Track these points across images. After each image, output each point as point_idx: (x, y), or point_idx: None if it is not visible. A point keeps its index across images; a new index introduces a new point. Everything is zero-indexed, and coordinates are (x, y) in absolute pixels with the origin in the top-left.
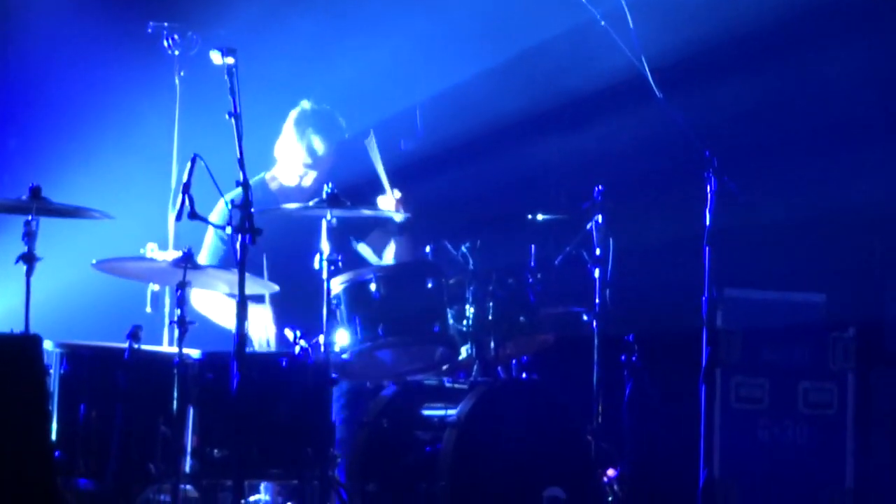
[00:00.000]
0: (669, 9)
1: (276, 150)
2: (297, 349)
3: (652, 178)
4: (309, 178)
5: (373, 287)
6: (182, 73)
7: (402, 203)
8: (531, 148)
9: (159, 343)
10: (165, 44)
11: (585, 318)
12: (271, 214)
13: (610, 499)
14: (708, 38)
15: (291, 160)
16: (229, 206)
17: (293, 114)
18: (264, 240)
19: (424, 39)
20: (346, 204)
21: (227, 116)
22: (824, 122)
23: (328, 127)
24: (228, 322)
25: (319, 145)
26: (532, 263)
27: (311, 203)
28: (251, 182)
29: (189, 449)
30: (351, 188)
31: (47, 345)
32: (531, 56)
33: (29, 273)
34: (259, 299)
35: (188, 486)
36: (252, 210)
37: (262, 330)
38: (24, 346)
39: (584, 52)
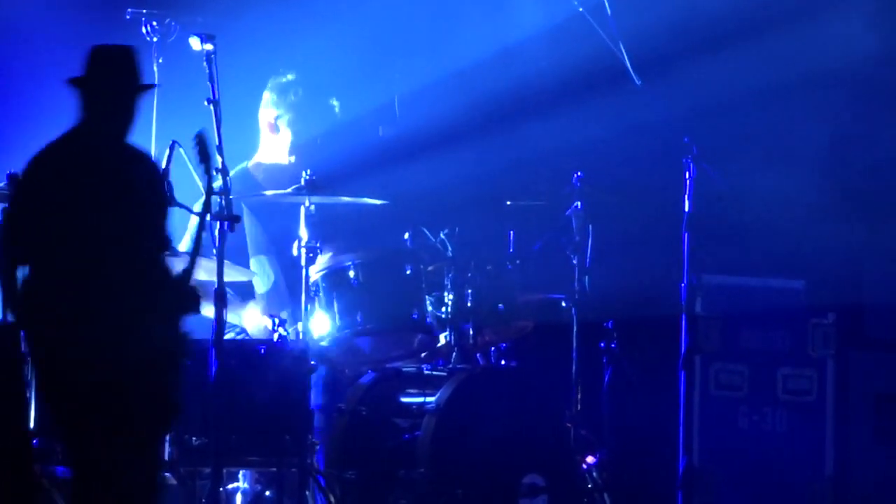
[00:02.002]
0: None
1: (262, 122)
2: (276, 336)
3: (631, 165)
4: (283, 146)
5: (351, 274)
6: (160, 60)
7: None
8: (510, 134)
9: None
10: (144, 30)
11: (564, 304)
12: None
13: (589, 486)
14: (687, 25)
15: (265, 126)
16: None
17: (271, 85)
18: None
19: (403, 27)
20: (325, 190)
21: (205, 103)
22: (802, 108)
23: (289, 94)
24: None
25: (286, 114)
26: (511, 250)
27: (289, 189)
28: (234, 171)
29: (167, 436)
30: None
31: None
32: (510, 43)
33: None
34: (250, 295)
35: (167, 474)
36: (231, 197)
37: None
38: (2, 335)
39: (563, 40)
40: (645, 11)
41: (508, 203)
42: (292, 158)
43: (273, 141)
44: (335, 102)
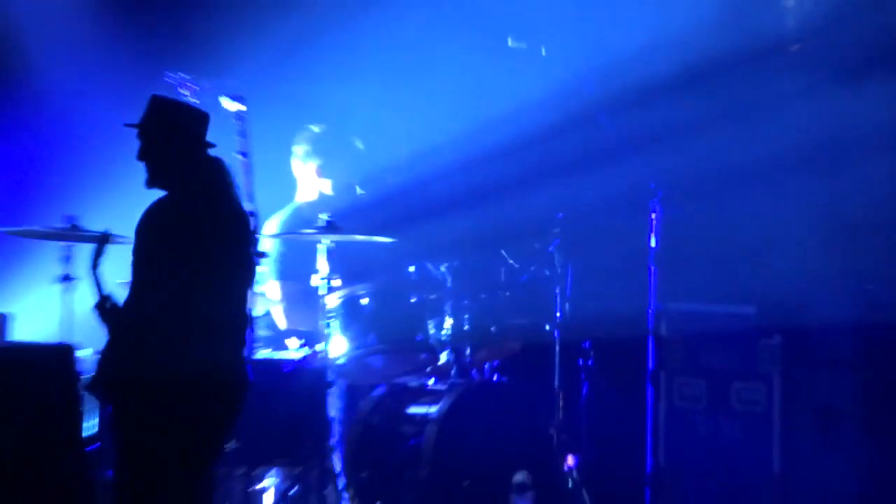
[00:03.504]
0: (615, 49)
1: (296, 170)
2: (301, 355)
3: (605, 207)
4: (326, 186)
5: (364, 302)
6: None
7: None
8: (502, 181)
9: None
10: (183, 92)
11: (547, 327)
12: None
13: (570, 483)
14: (653, 79)
15: (306, 176)
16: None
17: (299, 138)
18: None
19: (405, 92)
20: (342, 230)
21: (237, 155)
22: (756, 153)
23: (318, 142)
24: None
25: (315, 161)
26: (501, 281)
27: (314, 227)
28: (288, 211)
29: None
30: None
31: (87, 352)
32: (505, 107)
33: (66, 291)
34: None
35: None
36: (258, 236)
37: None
38: (59, 353)
39: (548, 107)
40: (614, 62)
41: (500, 243)
42: (331, 192)
43: (318, 183)
44: (358, 142)
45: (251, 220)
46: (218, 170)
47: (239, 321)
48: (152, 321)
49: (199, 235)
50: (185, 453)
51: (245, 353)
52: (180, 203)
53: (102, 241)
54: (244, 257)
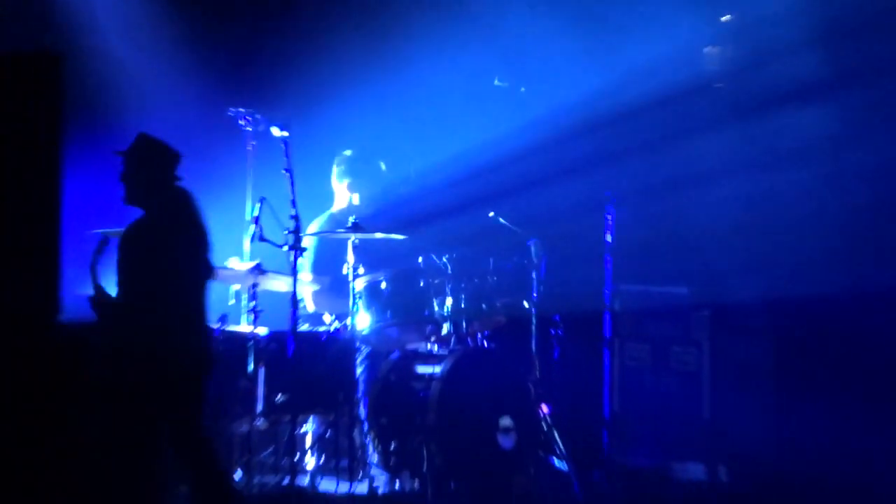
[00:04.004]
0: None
1: (333, 185)
2: (333, 328)
3: (571, 210)
4: (355, 198)
5: (384, 286)
6: (254, 143)
7: None
8: (490, 190)
9: (239, 324)
10: (241, 122)
11: (526, 305)
12: (323, 237)
13: (544, 426)
14: (608, 110)
15: (341, 190)
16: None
17: (336, 161)
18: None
19: (415, 119)
20: (366, 229)
21: (283, 171)
22: (689, 167)
23: (350, 165)
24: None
25: (347, 179)
26: (490, 269)
27: (344, 228)
28: (324, 217)
29: (260, 395)
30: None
31: None
32: (491, 132)
33: None
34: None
35: (259, 421)
36: (301, 234)
37: (308, 297)
38: None
39: (528, 132)
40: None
41: (489, 239)
42: (358, 203)
43: (349, 195)
44: (382, 165)
45: (294, 222)
46: (183, 197)
47: (199, 312)
48: (133, 312)
49: (165, 248)
50: (156, 408)
51: (207, 336)
52: (151, 223)
53: (102, 243)
54: (202, 263)
